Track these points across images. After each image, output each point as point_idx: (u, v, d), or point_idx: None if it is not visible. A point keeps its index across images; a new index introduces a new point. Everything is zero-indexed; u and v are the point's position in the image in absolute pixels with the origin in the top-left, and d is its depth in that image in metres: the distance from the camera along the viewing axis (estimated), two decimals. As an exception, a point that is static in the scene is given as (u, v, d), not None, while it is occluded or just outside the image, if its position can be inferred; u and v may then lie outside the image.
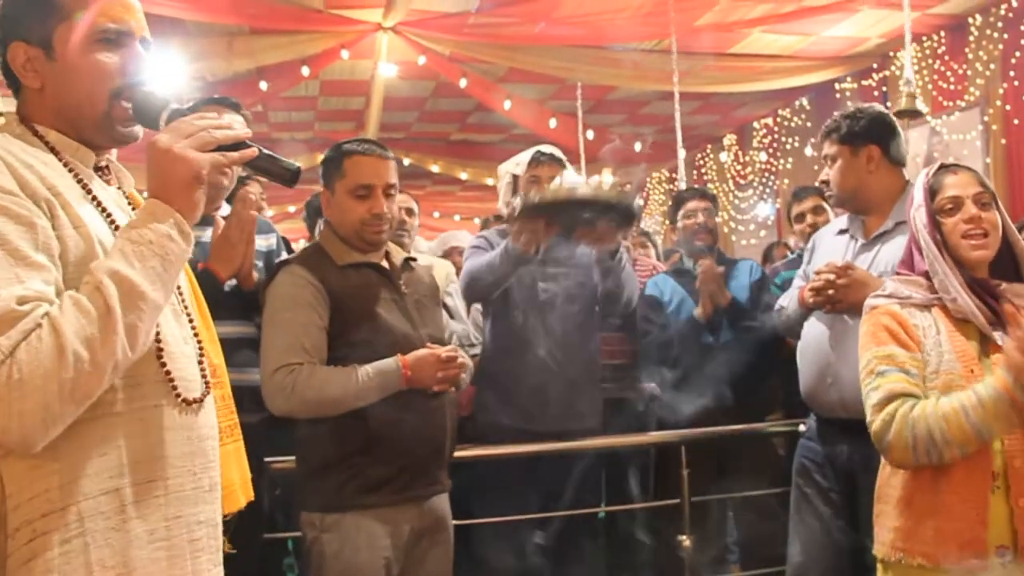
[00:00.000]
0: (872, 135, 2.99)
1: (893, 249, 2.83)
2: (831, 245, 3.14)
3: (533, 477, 3.25)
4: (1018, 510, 2.04)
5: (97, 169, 1.58)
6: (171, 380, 1.48)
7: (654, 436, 3.63)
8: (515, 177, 3.47)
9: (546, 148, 3.48)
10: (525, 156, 3.47)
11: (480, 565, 3.11)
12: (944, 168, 2.29)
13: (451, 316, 3.94)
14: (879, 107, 3.10)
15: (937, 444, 2.00)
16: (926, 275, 2.23)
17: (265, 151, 1.52)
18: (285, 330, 2.47)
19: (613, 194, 2.88)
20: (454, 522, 2.75)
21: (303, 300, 2.49)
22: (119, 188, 1.63)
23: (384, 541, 2.49)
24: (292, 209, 12.86)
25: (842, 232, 3.12)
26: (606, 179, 2.92)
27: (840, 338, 2.89)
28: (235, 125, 1.50)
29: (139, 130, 1.57)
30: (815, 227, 3.97)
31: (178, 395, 1.49)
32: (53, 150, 1.50)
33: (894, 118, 3.11)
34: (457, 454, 2.79)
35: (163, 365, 1.47)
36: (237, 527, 1.97)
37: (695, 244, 4.05)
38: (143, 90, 1.54)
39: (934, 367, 2.12)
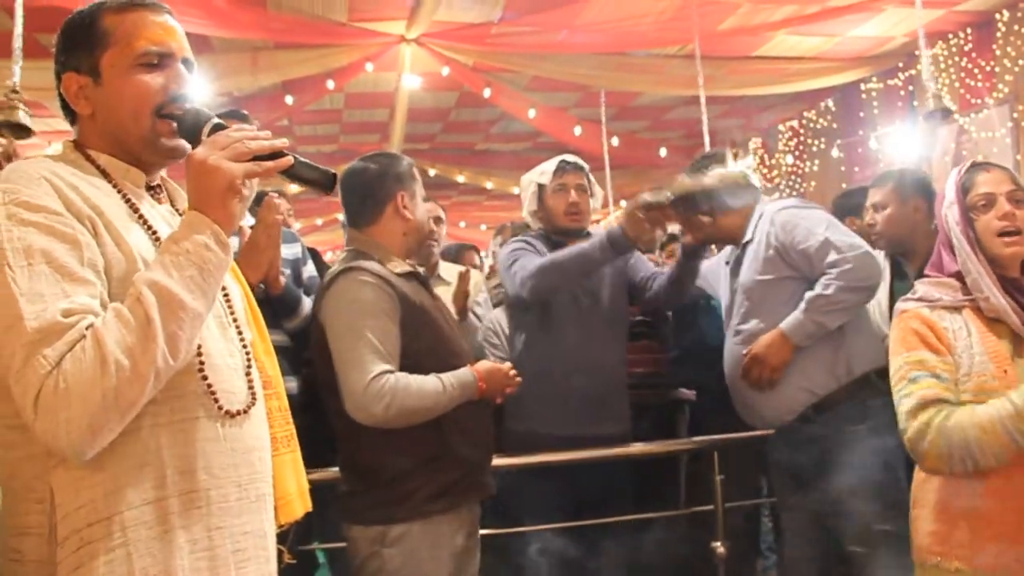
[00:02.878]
0: None
1: (744, 268, 3.14)
2: (720, 280, 3.40)
3: (562, 484, 3.24)
4: None
5: (149, 188, 1.63)
6: (212, 392, 1.51)
7: (686, 443, 3.62)
8: (540, 187, 3.49)
9: (570, 157, 3.52)
10: (550, 165, 3.48)
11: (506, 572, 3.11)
12: (976, 166, 2.28)
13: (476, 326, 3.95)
14: (720, 151, 3.27)
15: (974, 454, 1.98)
16: (957, 275, 2.22)
17: (301, 159, 1.55)
18: (369, 336, 2.44)
19: (740, 179, 3.03)
20: (483, 531, 2.77)
21: (380, 307, 2.48)
22: (172, 206, 1.68)
23: (444, 551, 2.50)
24: (320, 222, 12.95)
25: (727, 262, 3.33)
26: (732, 167, 3.06)
27: (731, 367, 3.15)
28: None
29: (185, 145, 1.60)
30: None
31: (220, 407, 1.52)
32: (104, 173, 1.56)
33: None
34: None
35: (204, 378, 1.50)
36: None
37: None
38: (186, 106, 1.58)
39: (966, 369, 2.10)
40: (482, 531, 2.77)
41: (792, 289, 2.98)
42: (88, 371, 1.28)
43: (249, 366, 1.62)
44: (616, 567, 3.38)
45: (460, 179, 12.35)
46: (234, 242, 2.75)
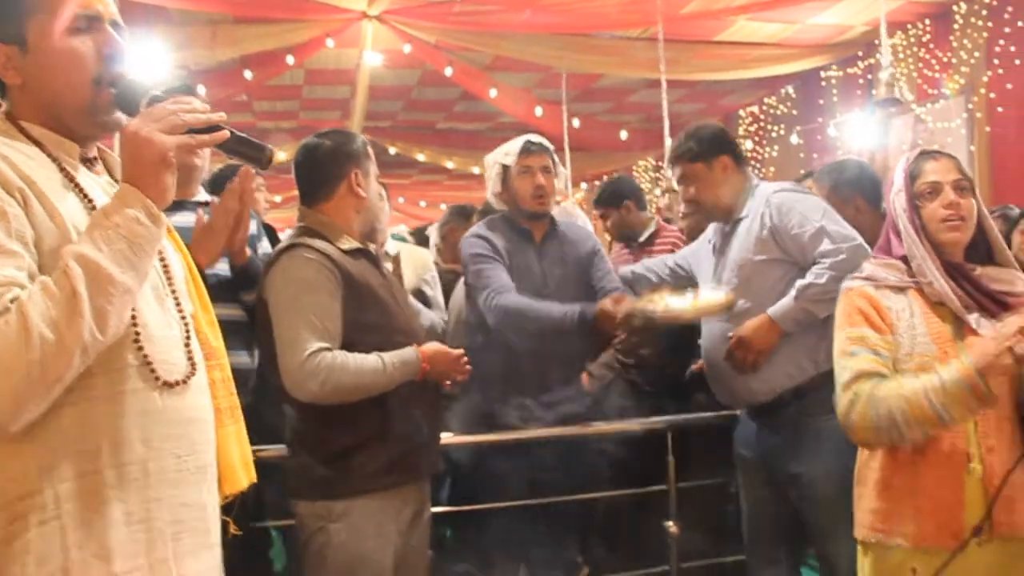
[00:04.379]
0: (721, 147, 3.20)
1: (734, 246, 3.12)
2: (703, 256, 3.37)
3: (520, 465, 3.25)
4: (991, 490, 2.07)
5: (86, 160, 1.59)
6: (149, 363, 1.49)
7: (641, 423, 3.64)
8: (504, 168, 3.45)
9: (535, 137, 3.48)
10: (515, 146, 3.44)
11: (462, 550, 3.12)
12: (924, 154, 2.31)
13: (428, 305, 3.93)
14: (714, 123, 3.29)
15: (898, 424, 2.03)
16: (903, 259, 2.26)
17: (237, 133, 1.54)
18: (308, 313, 2.42)
19: (719, 309, 3.03)
20: (434, 509, 2.78)
21: (321, 284, 2.46)
22: (111, 176, 1.65)
23: (391, 526, 2.51)
24: (279, 199, 12.85)
25: (709, 240, 3.34)
26: (713, 296, 3.06)
27: (713, 343, 3.15)
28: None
29: (122, 118, 1.57)
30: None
31: (157, 378, 1.50)
32: (38, 144, 1.51)
33: (727, 130, 3.40)
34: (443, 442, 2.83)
35: (140, 348, 1.48)
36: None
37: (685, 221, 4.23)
38: (126, 78, 1.55)
39: (908, 349, 2.15)
40: (434, 508, 2.79)
41: (781, 272, 2.99)
42: (12, 345, 1.25)
43: (188, 337, 1.60)
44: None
45: (421, 158, 12.31)
46: (190, 217, 2.72)
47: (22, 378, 1.26)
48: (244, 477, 1.80)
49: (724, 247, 3.18)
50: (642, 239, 4.75)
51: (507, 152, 3.45)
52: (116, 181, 1.63)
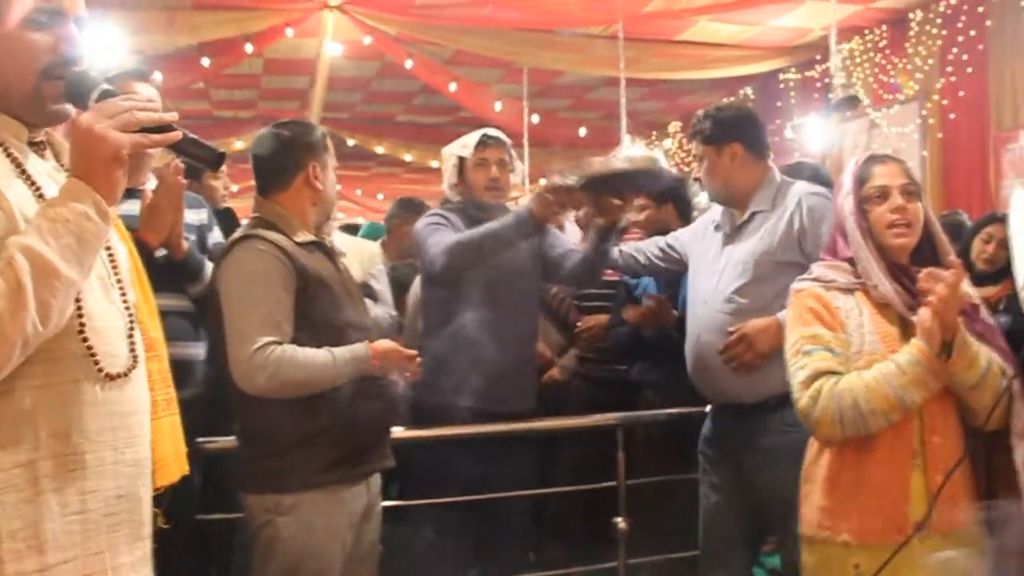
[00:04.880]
0: (734, 133, 3.09)
1: (750, 237, 3.02)
2: (704, 240, 3.26)
3: (469, 459, 3.25)
4: (934, 486, 2.11)
5: (33, 144, 1.57)
6: (93, 355, 1.47)
7: (592, 419, 3.65)
8: (461, 159, 3.46)
9: (492, 131, 3.48)
10: (472, 139, 3.45)
11: (409, 546, 3.11)
12: (873, 158, 2.35)
13: (375, 299, 3.91)
14: (740, 104, 3.22)
15: (863, 414, 2.07)
16: (850, 261, 2.29)
17: (189, 135, 1.53)
18: (258, 306, 2.41)
19: (650, 164, 2.98)
20: (384, 503, 2.77)
21: (273, 275, 2.44)
22: (58, 163, 1.62)
23: (341, 521, 2.49)
24: (235, 188, 12.73)
25: (716, 226, 3.23)
26: (639, 150, 2.98)
27: (707, 332, 3.03)
28: (159, 107, 1.50)
29: (70, 109, 1.55)
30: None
31: (100, 370, 1.48)
32: None
33: (753, 112, 3.27)
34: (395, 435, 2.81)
35: (85, 340, 1.46)
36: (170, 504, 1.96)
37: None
38: (75, 69, 1.53)
39: (857, 347, 2.19)
40: (384, 503, 2.78)
41: (794, 275, 2.80)
42: None
43: (132, 328, 1.59)
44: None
45: (379, 150, 12.25)
46: (137, 205, 2.69)
47: None
48: (176, 469, 1.80)
49: (736, 236, 3.09)
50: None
51: (464, 144, 3.46)
52: (63, 167, 1.61)
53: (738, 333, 2.89)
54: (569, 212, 3.08)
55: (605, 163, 2.99)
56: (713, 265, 3.12)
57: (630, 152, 3.03)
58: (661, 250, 3.46)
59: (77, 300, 1.44)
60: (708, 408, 3.25)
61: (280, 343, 2.39)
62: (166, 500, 1.78)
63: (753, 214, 3.06)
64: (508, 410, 3.28)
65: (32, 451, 1.39)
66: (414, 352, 2.64)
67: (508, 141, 3.49)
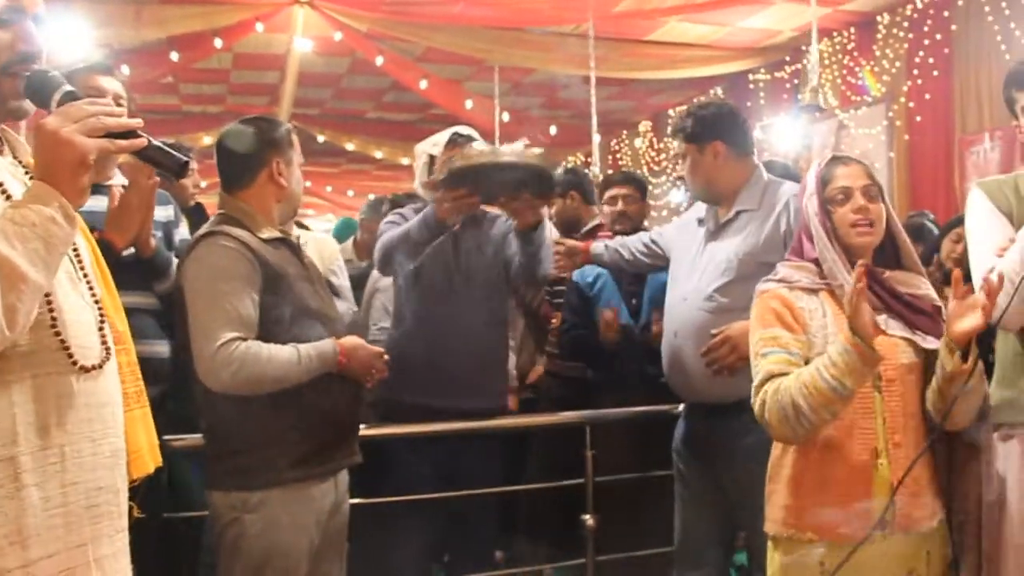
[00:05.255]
0: (716, 131, 3.07)
1: (734, 236, 3.00)
2: (687, 236, 3.24)
3: (436, 458, 3.25)
4: (896, 484, 2.13)
5: None
6: (66, 348, 1.47)
7: (559, 417, 3.66)
8: (432, 157, 3.45)
9: (463, 129, 3.47)
10: (443, 136, 3.45)
11: (377, 544, 3.11)
12: (836, 159, 2.37)
13: (336, 295, 3.89)
14: (722, 101, 3.20)
15: (804, 410, 2.08)
16: (815, 261, 2.31)
17: (155, 141, 1.53)
18: (223, 302, 2.39)
19: (535, 159, 2.89)
20: (352, 500, 2.76)
21: (238, 272, 2.42)
22: (15, 158, 1.61)
23: (308, 518, 2.48)
24: (204, 184, 12.65)
25: (700, 222, 3.20)
26: (524, 146, 2.94)
27: (685, 330, 3.02)
28: (123, 112, 1.51)
29: (28, 106, 1.55)
30: (625, 213, 4.21)
31: (74, 363, 1.48)
32: None
33: (735, 109, 3.23)
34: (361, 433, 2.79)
35: (57, 334, 1.46)
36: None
37: (614, 229, 4.15)
38: (38, 69, 1.52)
39: (820, 348, 2.20)
40: (352, 500, 2.77)
41: None
42: None
43: (102, 321, 1.59)
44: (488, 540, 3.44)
45: (349, 147, 12.23)
46: (102, 201, 2.67)
47: None
48: (151, 461, 1.80)
49: (719, 234, 3.06)
50: (584, 230, 4.77)
51: (435, 143, 3.45)
52: (20, 163, 1.60)
53: (722, 335, 2.85)
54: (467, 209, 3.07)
55: (492, 153, 2.97)
56: (695, 262, 3.09)
57: (514, 148, 2.93)
58: (645, 245, 3.46)
59: (47, 295, 1.43)
60: (680, 407, 3.24)
61: (244, 339, 2.37)
62: (141, 493, 1.78)
63: (738, 212, 3.03)
64: (469, 407, 3.25)
65: (11, 446, 1.39)
66: (381, 350, 2.64)
67: (479, 139, 3.46)
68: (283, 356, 2.41)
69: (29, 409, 1.42)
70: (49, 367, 1.45)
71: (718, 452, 2.94)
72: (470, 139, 3.41)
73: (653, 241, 3.44)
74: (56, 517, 1.44)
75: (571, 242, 3.76)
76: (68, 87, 1.51)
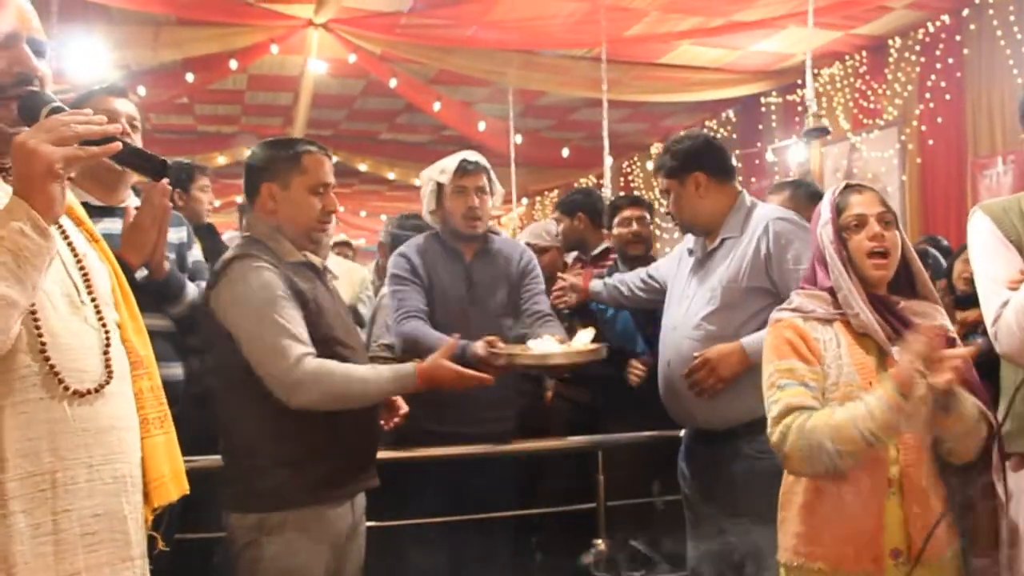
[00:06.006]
0: (695, 163, 3.09)
1: (718, 264, 3.02)
2: (678, 267, 3.28)
3: (447, 483, 3.25)
4: (911, 516, 2.13)
5: (2, 171, 1.56)
6: (56, 373, 1.46)
7: (569, 441, 3.66)
8: (439, 185, 3.40)
9: (471, 156, 3.42)
10: (451, 163, 3.38)
11: (393, 566, 3.11)
12: (849, 187, 2.36)
13: (361, 325, 3.86)
14: (697, 132, 3.22)
15: (831, 454, 2.06)
16: (830, 291, 2.30)
17: (131, 145, 1.54)
18: (279, 319, 2.39)
19: (579, 356, 2.91)
20: (368, 524, 2.76)
21: (281, 292, 2.43)
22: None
23: (325, 541, 2.48)
24: (217, 203, 12.71)
25: (690, 252, 3.24)
26: (581, 339, 2.96)
27: (677, 358, 3.04)
28: (103, 119, 1.49)
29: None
30: (640, 235, 4.22)
31: (66, 388, 1.47)
32: None
33: (711, 138, 3.26)
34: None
35: (47, 359, 1.45)
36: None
37: (627, 252, 4.17)
38: (28, 90, 1.53)
39: (834, 379, 2.19)
40: (368, 523, 2.77)
41: (763, 303, 2.87)
42: None
43: (108, 345, 1.58)
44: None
45: (362, 168, 12.28)
46: (118, 223, 2.68)
47: None
48: (174, 489, 1.76)
49: (706, 262, 3.09)
50: (594, 253, 4.78)
51: (443, 170, 3.39)
52: None
53: (701, 358, 2.90)
54: None
55: (550, 358, 2.95)
56: (684, 291, 3.13)
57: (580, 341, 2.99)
58: (643, 281, 3.48)
59: (36, 318, 1.43)
60: (682, 432, 3.26)
61: (313, 354, 2.40)
62: (164, 521, 1.76)
63: (723, 240, 3.06)
64: (478, 432, 3.25)
65: None
66: (461, 369, 2.60)
67: (487, 165, 3.43)
68: (361, 374, 2.45)
69: (17, 435, 1.40)
70: (38, 392, 1.44)
71: (717, 477, 2.95)
72: (478, 166, 3.38)
73: (650, 276, 3.47)
74: (45, 544, 1.42)
75: (571, 278, 3.80)
76: (56, 103, 1.52)
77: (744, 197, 3.13)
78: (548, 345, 2.96)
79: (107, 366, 1.56)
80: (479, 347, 2.90)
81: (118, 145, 1.49)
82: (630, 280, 3.54)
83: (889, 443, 2.09)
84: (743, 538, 2.85)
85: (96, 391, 1.52)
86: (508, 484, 3.43)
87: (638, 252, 4.15)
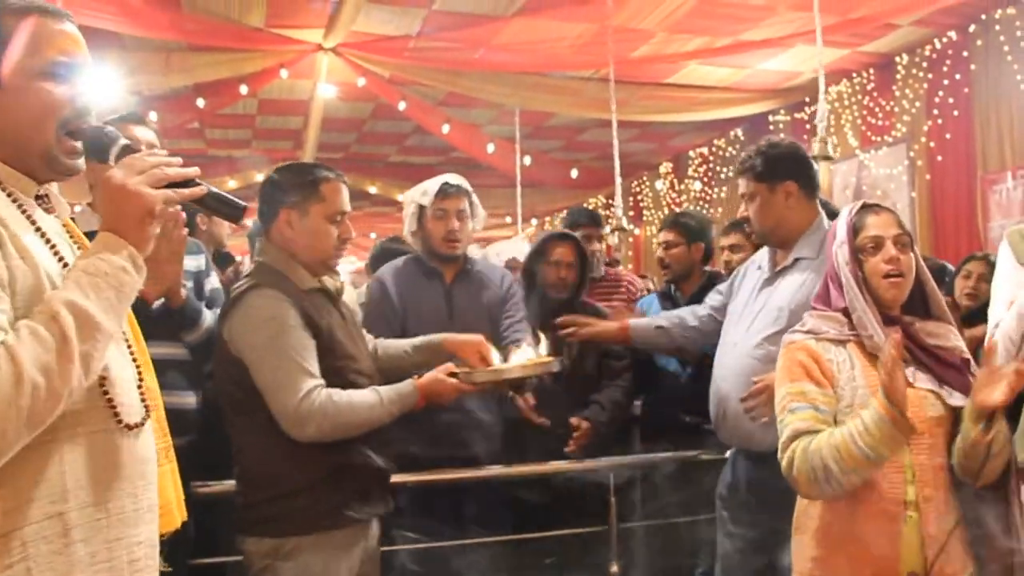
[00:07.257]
0: (788, 170, 3.02)
1: (789, 284, 2.95)
2: (745, 282, 3.21)
3: (445, 503, 3.26)
4: (928, 538, 2.11)
5: (38, 198, 1.58)
6: (113, 406, 1.50)
7: (584, 464, 3.65)
8: (421, 208, 3.44)
9: (453, 179, 3.47)
10: (432, 186, 3.43)
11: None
12: (866, 208, 2.35)
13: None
14: (790, 140, 3.14)
15: (835, 474, 2.06)
16: (844, 311, 2.29)
17: (213, 189, 1.57)
18: (290, 352, 2.41)
19: (535, 368, 2.77)
20: (384, 548, 2.78)
21: (293, 323, 2.44)
22: (58, 217, 1.63)
23: (341, 565, 2.48)
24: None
25: (759, 266, 3.17)
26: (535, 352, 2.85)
27: (733, 376, 2.99)
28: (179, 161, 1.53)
29: (82, 163, 1.58)
30: (729, 263, 4.19)
31: (120, 421, 1.50)
32: None
33: (804, 150, 3.16)
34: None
35: (105, 392, 1.48)
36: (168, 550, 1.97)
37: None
38: (94, 125, 1.56)
39: (848, 401, 2.19)
40: (384, 548, 2.77)
41: None
42: (3, 389, 1.24)
43: (140, 378, 1.61)
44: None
45: (372, 190, 12.32)
46: None
47: (11, 422, 1.26)
48: (178, 516, 1.82)
49: (775, 280, 3.03)
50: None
51: (425, 191, 3.44)
52: (61, 222, 1.62)
53: (762, 382, 2.81)
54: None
55: (500, 371, 2.80)
56: (749, 307, 3.06)
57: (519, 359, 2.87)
58: (712, 308, 3.38)
59: None
60: (728, 453, 3.22)
61: (321, 386, 2.41)
62: (167, 546, 1.79)
63: (797, 260, 2.98)
64: (465, 455, 3.28)
65: (61, 502, 1.41)
66: (458, 383, 2.62)
67: (469, 189, 3.47)
68: (366, 400, 2.46)
69: (78, 467, 1.43)
70: (98, 424, 1.48)
71: (766, 499, 2.84)
72: (460, 189, 3.42)
73: (714, 303, 3.38)
74: (101, 572, 1.45)
75: (583, 320, 3.59)
76: (125, 140, 1.56)
77: (823, 219, 3.05)
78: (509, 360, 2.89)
79: (142, 399, 1.59)
80: (437, 372, 2.76)
81: (204, 189, 1.54)
82: (699, 312, 3.41)
83: (891, 457, 2.06)
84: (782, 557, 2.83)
85: (141, 424, 1.56)
86: (510, 504, 3.43)
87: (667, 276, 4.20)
